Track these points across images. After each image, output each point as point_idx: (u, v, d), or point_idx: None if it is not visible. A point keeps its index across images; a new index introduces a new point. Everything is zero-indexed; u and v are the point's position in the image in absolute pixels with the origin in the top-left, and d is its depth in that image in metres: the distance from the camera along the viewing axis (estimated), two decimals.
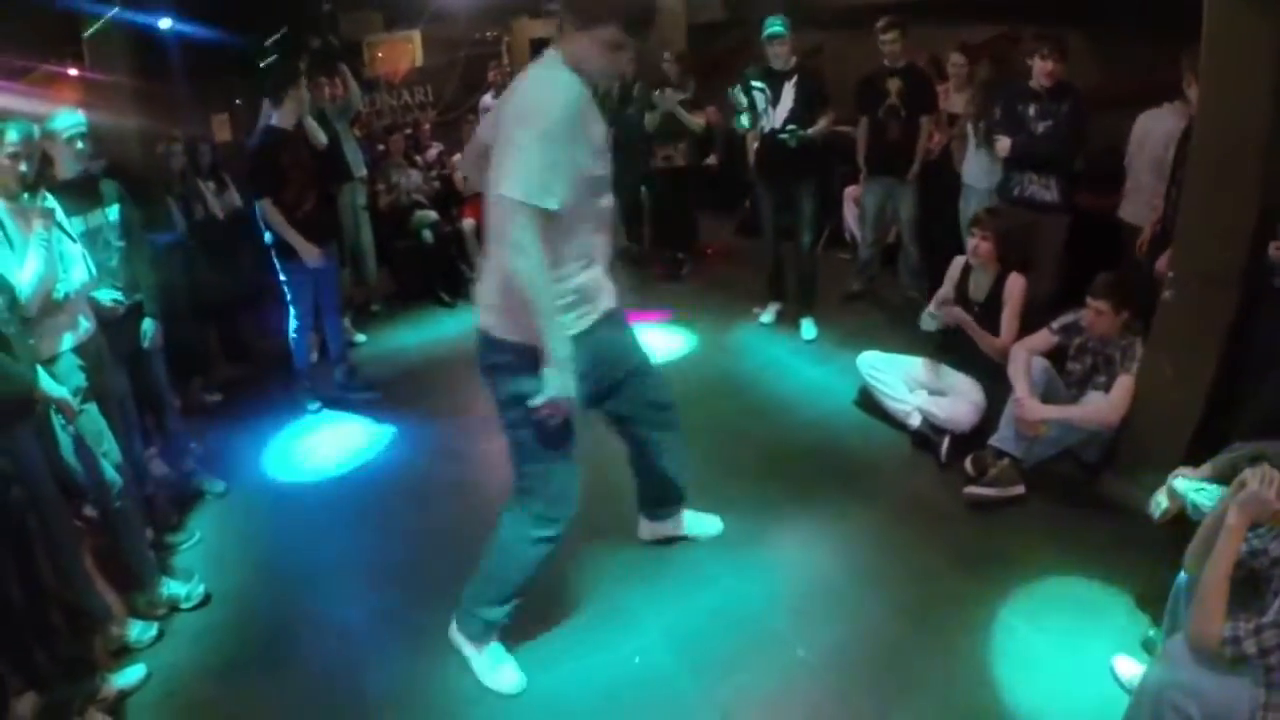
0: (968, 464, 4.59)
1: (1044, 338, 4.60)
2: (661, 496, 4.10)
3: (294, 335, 5.86)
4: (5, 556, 2.95)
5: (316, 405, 6.02)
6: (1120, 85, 5.93)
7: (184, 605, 3.99)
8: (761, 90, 6.37)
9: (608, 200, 3.20)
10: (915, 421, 5.05)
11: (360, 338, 7.42)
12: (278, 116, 5.52)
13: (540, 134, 2.76)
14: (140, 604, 3.91)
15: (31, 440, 3.31)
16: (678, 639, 3.64)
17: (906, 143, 6.66)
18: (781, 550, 4.28)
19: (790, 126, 6.24)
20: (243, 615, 3.99)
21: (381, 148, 8.52)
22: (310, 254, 5.45)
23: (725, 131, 9.04)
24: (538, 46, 11.25)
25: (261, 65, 6.78)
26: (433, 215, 8.32)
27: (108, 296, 4.22)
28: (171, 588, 4.00)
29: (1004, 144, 5.64)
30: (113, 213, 4.34)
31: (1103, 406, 4.36)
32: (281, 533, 4.67)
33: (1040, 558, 4.02)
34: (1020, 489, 4.42)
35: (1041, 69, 5.46)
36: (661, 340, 6.93)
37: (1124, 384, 4.31)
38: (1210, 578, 2.52)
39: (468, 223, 8.15)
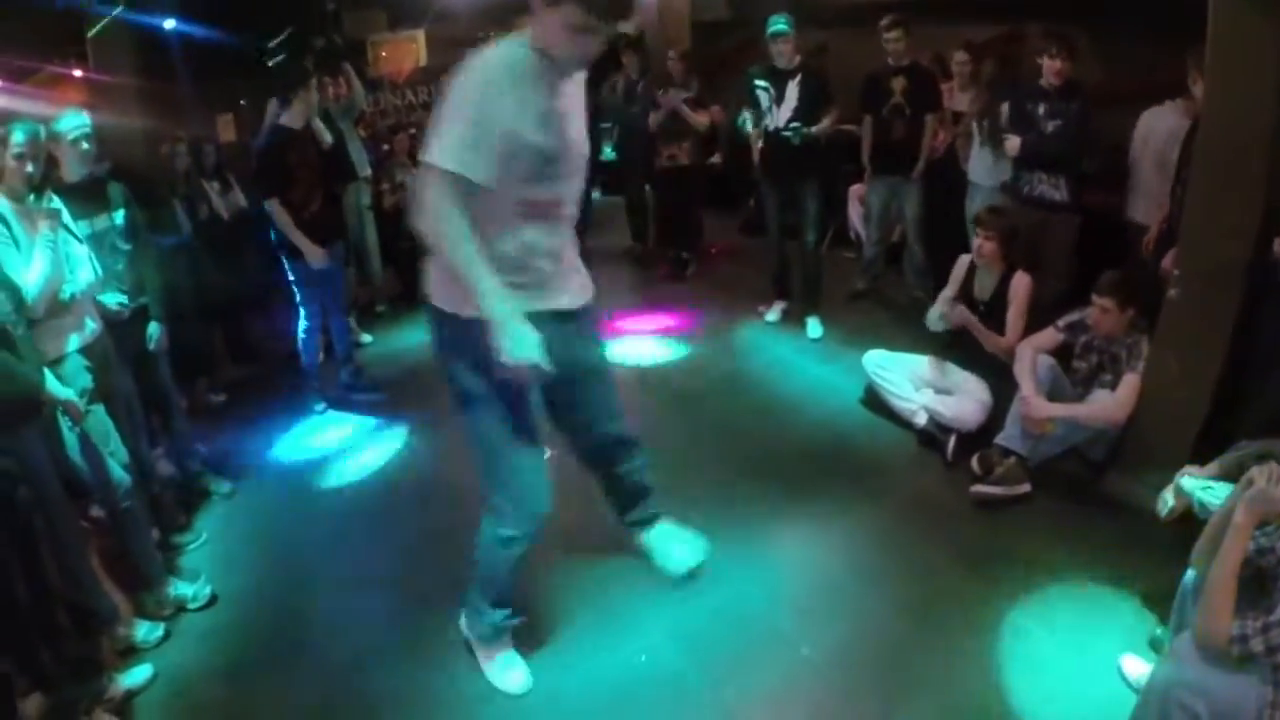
0: (974, 462, 4.59)
1: (1050, 336, 4.60)
2: (621, 508, 3.94)
3: (303, 335, 5.85)
4: (12, 557, 2.96)
5: (322, 406, 6.03)
6: (1124, 83, 5.91)
7: (191, 606, 3.99)
8: (765, 89, 6.36)
9: (561, 192, 3.01)
10: (921, 420, 5.05)
11: (366, 338, 7.42)
12: (287, 116, 5.52)
13: (464, 100, 2.71)
14: (148, 604, 3.92)
15: (38, 441, 3.32)
16: (683, 638, 3.64)
17: (911, 141, 6.66)
18: (787, 549, 4.28)
19: (794, 124, 6.24)
20: (249, 616, 3.99)
21: (386, 147, 8.51)
22: (315, 255, 5.44)
23: (729, 130, 9.04)
24: None
25: (270, 65, 6.78)
26: None
27: (113, 300, 4.23)
28: (179, 588, 4.01)
29: (1014, 143, 5.63)
30: (119, 216, 4.35)
31: (1108, 405, 4.36)
32: (288, 533, 4.68)
33: (1046, 556, 4.01)
34: (1026, 487, 4.42)
35: (1050, 68, 5.45)
36: (665, 340, 6.94)
37: (1130, 382, 4.30)
38: (1217, 576, 2.51)
39: None
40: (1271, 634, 2.38)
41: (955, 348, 5.14)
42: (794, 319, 7.01)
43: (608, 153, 10.34)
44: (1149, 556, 3.71)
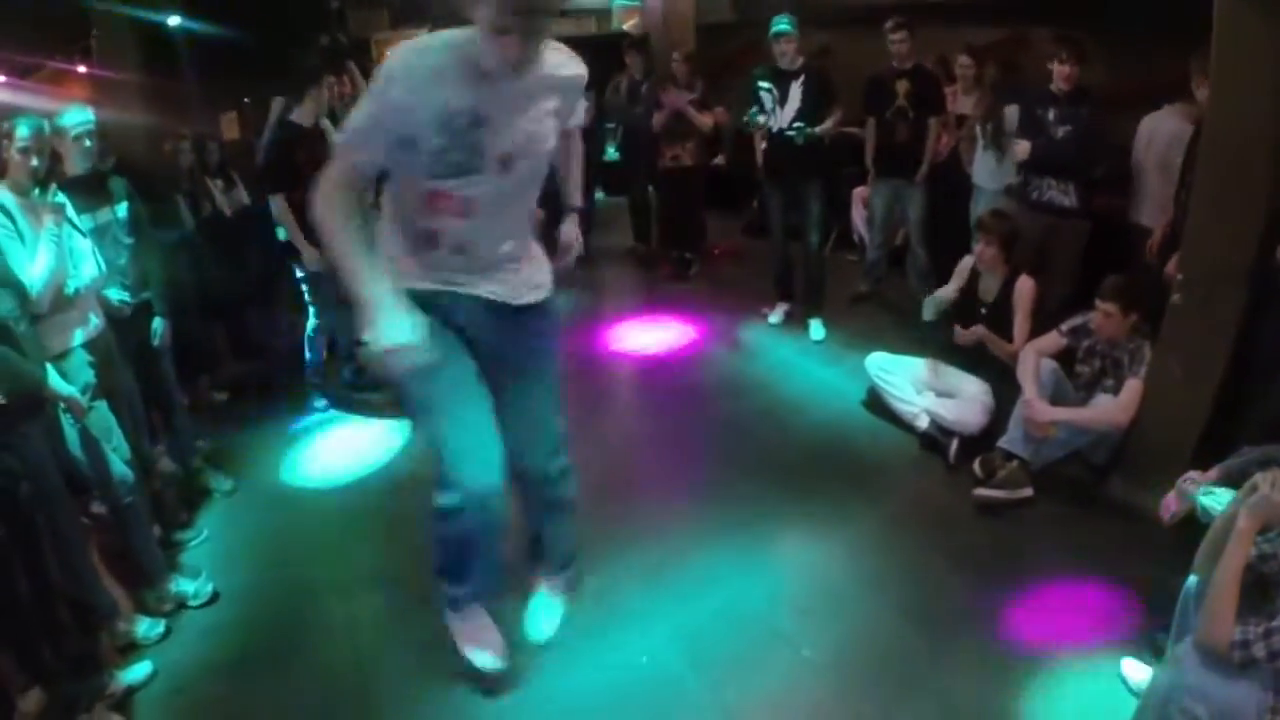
0: (976, 466, 4.59)
1: (1053, 340, 4.60)
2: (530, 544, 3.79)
3: (310, 333, 5.84)
4: (13, 553, 2.96)
5: (324, 404, 6.02)
6: (1128, 86, 5.91)
7: (192, 603, 3.99)
8: (769, 90, 6.36)
9: (478, 194, 2.83)
10: (924, 423, 5.05)
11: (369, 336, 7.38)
12: (297, 113, 5.50)
13: (373, 85, 2.74)
14: (149, 600, 3.91)
15: (40, 437, 3.32)
16: (685, 639, 3.64)
17: (915, 144, 6.65)
18: (788, 550, 4.28)
19: (797, 125, 6.24)
20: (250, 613, 3.99)
21: None
22: (311, 256, 5.41)
23: (733, 131, 9.05)
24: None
25: (285, 62, 6.80)
26: None
27: (115, 296, 4.24)
28: (180, 584, 4.00)
29: (1023, 147, 5.63)
30: (121, 210, 4.35)
31: (1111, 409, 4.36)
32: (289, 531, 4.68)
33: (1048, 560, 4.02)
34: (1028, 491, 4.42)
35: (1060, 73, 5.45)
36: (668, 340, 6.95)
37: (1133, 387, 4.30)
38: (1220, 581, 2.51)
39: None
40: (1273, 639, 2.38)
41: (958, 351, 5.14)
42: (796, 321, 7.01)
43: (611, 153, 10.35)
44: (1150, 561, 3.71)
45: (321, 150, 5.60)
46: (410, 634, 3.76)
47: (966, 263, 5.19)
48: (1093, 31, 5.78)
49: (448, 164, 2.74)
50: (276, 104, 5.87)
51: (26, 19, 7.23)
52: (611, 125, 9.65)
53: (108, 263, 4.11)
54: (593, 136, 9.09)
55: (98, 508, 4.08)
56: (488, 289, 3.06)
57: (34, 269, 3.51)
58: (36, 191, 3.65)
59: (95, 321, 3.94)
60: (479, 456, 3.02)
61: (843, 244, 8.62)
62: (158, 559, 4.03)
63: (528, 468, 3.37)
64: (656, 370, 6.51)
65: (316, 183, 2.73)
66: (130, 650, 3.70)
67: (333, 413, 5.97)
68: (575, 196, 3.74)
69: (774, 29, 6.23)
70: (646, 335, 7.14)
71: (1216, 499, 2.92)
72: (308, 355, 5.93)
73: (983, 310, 4.99)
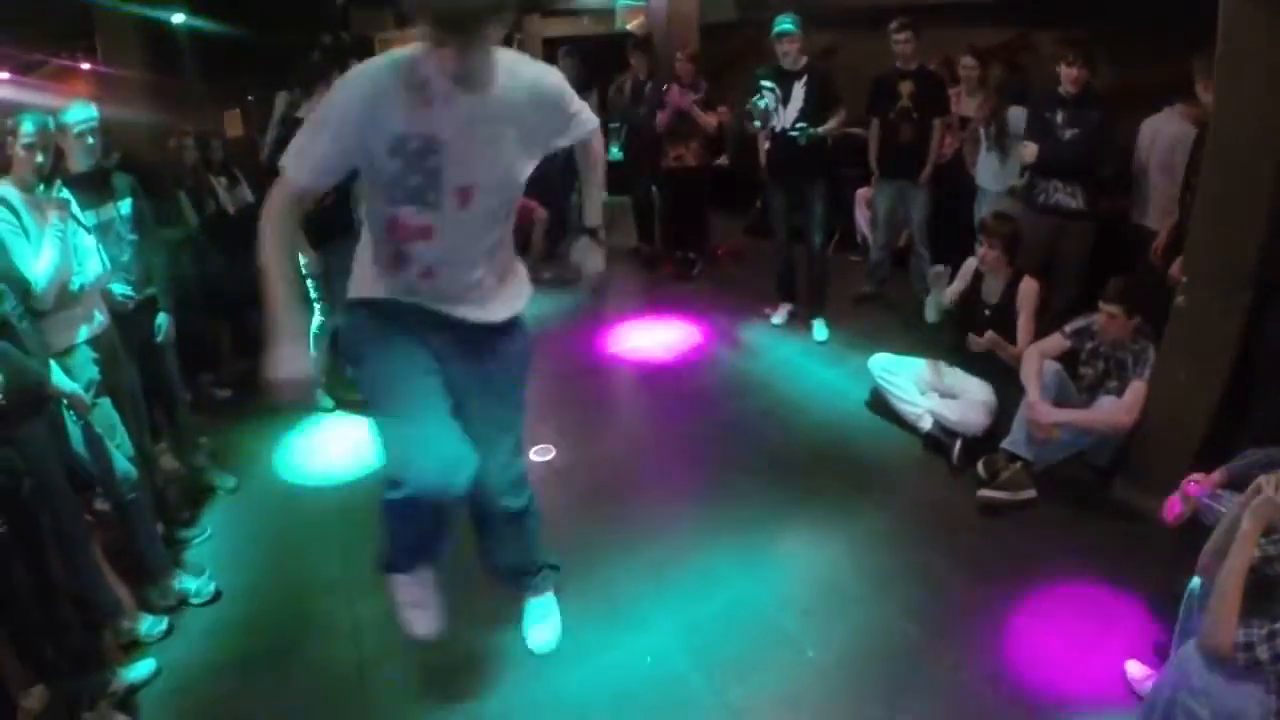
0: (980, 467, 4.59)
1: (1056, 341, 4.59)
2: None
3: (314, 331, 5.83)
4: (16, 550, 2.96)
5: (330, 402, 6.01)
6: (1132, 87, 5.91)
7: (194, 601, 3.99)
8: (772, 90, 6.36)
9: (437, 222, 2.75)
10: (927, 424, 5.05)
11: None
12: (305, 109, 5.49)
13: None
14: (152, 597, 3.91)
15: (43, 434, 3.33)
16: (690, 639, 3.64)
17: (919, 145, 6.65)
18: (792, 551, 4.28)
19: (800, 125, 6.24)
20: (252, 612, 3.99)
21: None
22: (307, 255, 5.38)
23: (737, 131, 9.04)
24: (550, 45, 11.30)
25: (289, 60, 6.79)
26: None
27: (119, 290, 4.24)
28: (183, 581, 4.01)
29: (1031, 149, 5.62)
30: (124, 206, 4.35)
31: (1115, 411, 4.36)
32: (292, 529, 4.68)
33: (1052, 561, 4.02)
34: (1031, 493, 4.42)
35: (1068, 75, 5.44)
36: (671, 340, 6.95)
37: (1136, 389, 4.30)
38: (1224, 583, 2.51)
39: None
40: (1277, 642, 2.39)
41: (961, 352, 5.13)
42: (800, 321, 7.02)
43: (614, 153, 10.34)
44: (1154, 563, 3.73)
45: None
46: (405, 632, 3.77)
47: (970, 265, 5.18)
48: (1094, 32, 5.78)
49: (406, 189, 2.66)
50: (281, 100, 5.86)
51: (30, 15, 7.24)
52: (615, 125, 9.65)
53: (111, 260, 4.11)
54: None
55: (101, 505, 4.09)
56: (460, 309, 2.99)
57: (39, 265, 3.52)
58: (41, 187, 3.66)
59: (100, 318, 3.95)
60: (430, 457, 2.93)
61: (846, 245, 8.62)
62: (162, 556, 4.04)
63: (482, 477, 3.19)
64: (659, 370, 6.52)
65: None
66: (133, 648, 3.70)
67: (336, 411, 5.97)
68: (594, 215, 3.45)
69: (776, 29, 6.23)
70: (649, 335, 7.13)
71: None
72: (311, 353, 5.91)
73: (986, 312, 4.98)
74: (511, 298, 3.13)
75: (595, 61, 9.14)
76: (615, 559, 4.15)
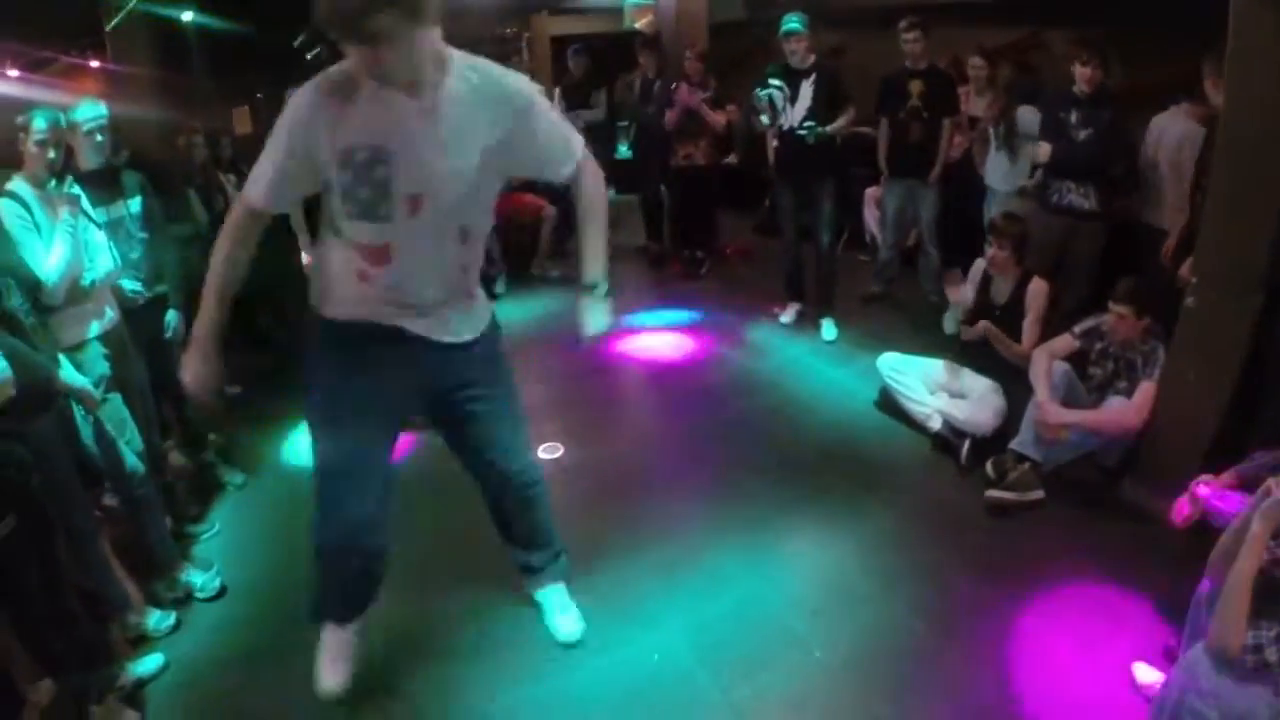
0: (988, 467, 4.57)
1: (1066, 342, 4.59)
2: (514, 557, 3.76)
3: None
4: (25, 544, 2.96)
5: None
6: (1136, 86, 5.89)
7: (199, 595, 3.99)
8: (780, 88, 6.35)
9: (394, 241, 2.70)
10: (936, 424, 5.04)
11: None
12: None
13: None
14: (160, 591, 3.93)
15: (52, 429, 3.33)
16: (697, 637, 3.63)
17: (928, 144, 6.64)
18: (800, 550, 4.28)
19: (808, 123, 6.23)
20: (260, 607, 3.99)
21: None
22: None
23: (745, 130, 9.05)
24: (558, 43, 11.31)
25: (297, 58, 6.80)
26: None
27: (128, 287, 4.26)
28: (190, 575, 4.02)
29: (1044, 149, 5.61)
30: (134, 204, 4.38)
31: (1124, 412, 4.35)
32: (299, 525, 4.63)
33: (1060, 562, 4.01)
34: (1040, 494, 4.41)
35: (1082, 75, 5.42)
36: (679, 339, 6.97)
37: (1146, 390, 4.29)
38: (1232, 585, 2.50)
39: None
40: None
41: (970, 352, 5.13)
42: (808, 321, 7.02)
43: (623, 151, 10.36)
44: (1162, 564, 3.72)
45: None
46: (418, 632, 3.77)
47: (979, 266, 5.17)
48: (1103, 31, 5.77)
49: (358, 203, 2.60)
50: (289, 97, 5.87)
51: (40, 14, 7.26)
52: (624, 123, 9.67)
53: (121, 257, 4.13)
54: (605, 134, 9.12)
55: (110, 500, 4.09)
56: (423, 326, 2.94)
57: (50, 260, 3.54)
58: (53, 183, 3.67)
59: (110, 314, 3.97)
60: (345, 514, 3.14)
61: (854, 244, 8.62)
62: (171, 550, 4.05)
63: (501, 471, 3.39)
64: (668, 369, 6.52)
65: None
66: (141, 642, 3.70)
67: None
68: (595, 268, 3.07)
69: (784, 28, 6.22)
70: (657, 334, 7.14)
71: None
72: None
73: (995, 313, 4.97)
74: (477, 321, 3.11)
75: (604, 60, 9.15)
76: (623, 557, 4.15)
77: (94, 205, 4.01)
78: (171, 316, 4.47)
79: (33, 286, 3.43)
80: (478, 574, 3.73)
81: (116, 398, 3.84)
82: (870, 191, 8.10)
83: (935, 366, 5.30)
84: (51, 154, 3.62)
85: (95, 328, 3.83)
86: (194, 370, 2.88)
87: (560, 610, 3.70)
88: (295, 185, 2.70)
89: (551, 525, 3.68)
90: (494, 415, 3.25)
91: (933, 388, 5.21)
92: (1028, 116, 6.05)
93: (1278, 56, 3.66)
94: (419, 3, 2.33)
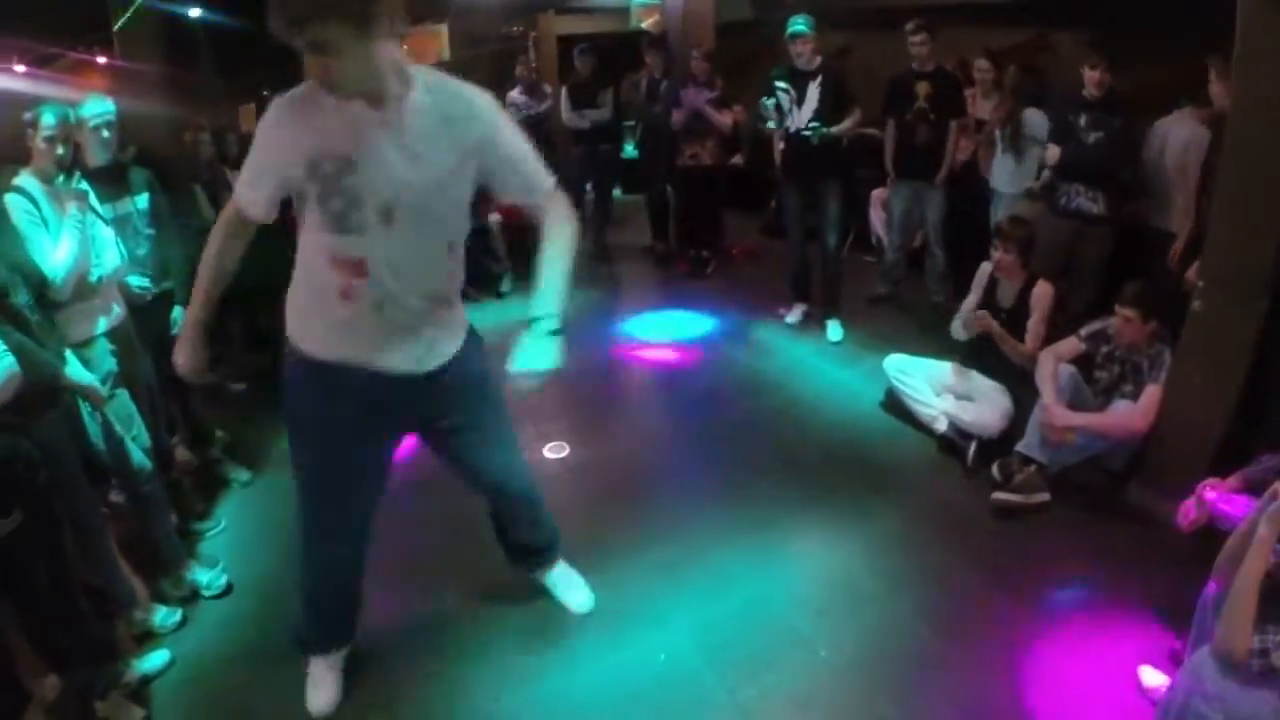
0: (994, 469, 4.57)
1: (1072, 345, 4.58)
2: (514, 554, 3.83)
3: None
4: (32, 540, 2.97)
5: None
6: (1140, 89, 5.88)
7: (205, 593, 4.00)
8: (786, 90, 6.35)
9: (369, 255, 2.65)
10: (942, 426, 5.04)
11: None
12: None
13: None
14: (166, 588, 3.94)
15: (59, 426, 3.34)
16: (702, 638, 3.63)
17: (935, 146, 6.63)
18: (805, 551, 4.28)
19: (813, 124, 6.23)
20: (266, 604, 3.99)
21: None
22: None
23: (752, 131, 9.05)
24: (564, 42, 11.31)
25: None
26: None
27: (135, 284, 4.26)
28: (196, 573, 4.03)
29: (1053, 152, 5.61)
30: (141, 201, 4.39)
31: (1130, 415, 4.34)
32: None
33: (1065, 565, 4.01)
34: (1046, 496, 4.41)
35: (1091, 78, 5.42)
36: (684, 339, 6.98)
37: (1152, 393, 4.29)
38: (1239, 589, 2.50)
39: (494, 218, 8.15)
40: None
41: (977, 354, 5.12)
42: (814, 322, 7.02)
43: (629, 151, 10.36)
44: (1168, 568, 3.71)
45: None
46: (424, 629, 3.78)
47: (985, 270, 5.17)
48: (1106, 33, 5.77)
49: (331, 214, 2.57)
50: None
51: (48, 10, 7.27)
52: (630, 123, 9.67)
53: (128, 254, 4.14)
54: (612, 134, 9.12)
55: (115, 496, 4.10)
56: (398, 358, 2.87)
57: (57, 255, 3.55)
58: (61, 179, 3.68)
59: (117, 310, 3.98)
60: (329, 547, 3.27)
61: (860, 245, 8.61)
62: (177, 547, 4.06)
63: (506, 490, 3.46)
64: (673, 369, 6.53)
65: None
66: (147, 639, 3.71)
67: None
68: (545, 302, 2.83)
69: (790, 30, 6.22)
70: (663, 334, 7.15)
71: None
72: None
73: (1001, 316, 4.96)
74: (456, 330, 3.06)
75: (610, 59, 9.15)
76: (628, 556, 4.15)
77: (101, 201, 4.02)
78: (178, 313, 4.47)
79: (40, 282, 3.44)
80: (483, 574, 3.73)
81: (123, 394, 3.85)
82: (876, 193, 8.10)
83: (942, 368, 5.29)
84: (60, 149, 3.62)
85: (103, 324, 3.85)
86: (184, 358, 2.96)
87: (570, 585, 3.80)
88: (272, 196, 2.69)
89: (547, 513, 3.71)
90: (483, 442, 3.25)
91: (939, 389, 5.20)
92: (1034, 119, 6.05)
93: None
94: (367, 16, 2.31)
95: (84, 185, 3.79)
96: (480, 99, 2.67)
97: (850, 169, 7.07)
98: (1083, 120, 5.51)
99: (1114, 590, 3.82)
